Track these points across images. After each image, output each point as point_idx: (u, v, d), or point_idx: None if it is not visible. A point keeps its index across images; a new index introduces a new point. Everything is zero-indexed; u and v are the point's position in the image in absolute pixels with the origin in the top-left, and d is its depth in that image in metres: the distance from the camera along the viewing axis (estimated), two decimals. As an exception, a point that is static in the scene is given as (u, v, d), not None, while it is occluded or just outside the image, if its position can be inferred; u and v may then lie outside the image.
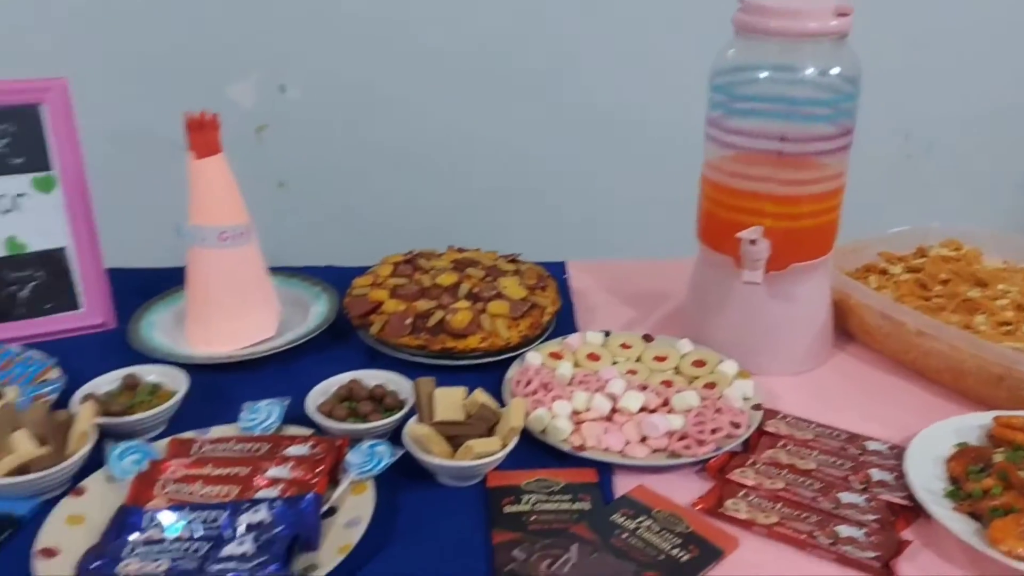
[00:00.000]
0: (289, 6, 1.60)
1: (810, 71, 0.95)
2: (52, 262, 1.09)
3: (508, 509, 0.80)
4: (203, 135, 1.00)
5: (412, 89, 1.68)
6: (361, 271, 1.21)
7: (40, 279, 1.09)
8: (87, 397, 0.91)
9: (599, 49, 1.66)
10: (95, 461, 0.84)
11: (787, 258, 0.99)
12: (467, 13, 1.62)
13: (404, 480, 0.84)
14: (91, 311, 1.11)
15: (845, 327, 1.12)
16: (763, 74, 0.97)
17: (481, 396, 0.87)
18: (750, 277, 0.98)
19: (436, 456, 0.82)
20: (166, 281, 1.20)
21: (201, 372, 0.99)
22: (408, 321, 1.02)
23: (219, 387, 0.99)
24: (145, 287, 1.20)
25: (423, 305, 1.04)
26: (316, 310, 1.15)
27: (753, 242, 0.96)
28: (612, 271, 1.32)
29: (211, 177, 1.02)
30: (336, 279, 1.21)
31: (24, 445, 0.81)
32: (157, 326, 1.10)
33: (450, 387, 0.88)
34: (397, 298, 1.06)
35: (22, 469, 0.79)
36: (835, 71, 0.95)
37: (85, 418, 0.83)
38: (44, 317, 1.09)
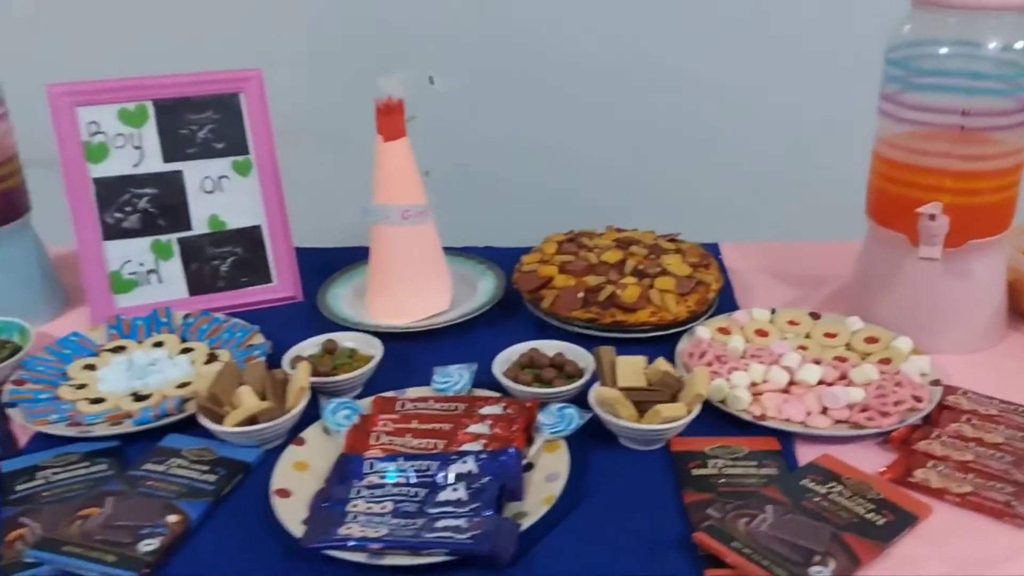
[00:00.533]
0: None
1: (993, 45, 0.94)
2: (249, 239, 1.19)
3: (696, 472, 0.84)
4: (390, 119, 1.07)
5: (547, 83, 1.73)
6: (518, 251, 1.27)
7: (238, 255, 1.19)
8: (296, 359, 1.00)
9: (749, 27, 1.67)
10: (307, 415, 0.92)
11: (964, 235, 0.99)
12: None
13: (588, 442, 0.88)
14: (282, 284, 1.21)
15: (1019, 307, 1.10)
16: (943, 49, 0.96)
17: (663, 364, 0.91)
18: (927, 253, 0.98)
19: (624, 419, 0.86)
20: (340, 260, 1.29)
21: (384, 340, 1.06)
22: (580, 295, 1.07)
23: (402, 354, 1.06)
24: (322, 265, 1.28)
25: (592, 280, 1.08)
26: (483, 286, 1.21)
27: (932, 217, 0.96)
28: (764, 252, 1.33)
29: (397, 159, 1.09)
30: (496, 258, 1.28)
31: (249, 399, 0.90)
32: (341, 298, 1.18)
33: (630, 356, 0.93)
34: (566, 274, 1.11)
35: (250, 420, 0.88)
36: (1019, 45, 0.94)
37: (303, 376, 0.91)
38: (241, 289, 1.19)
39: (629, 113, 1.75)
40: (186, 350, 1.06)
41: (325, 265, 1.28)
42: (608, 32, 1.71)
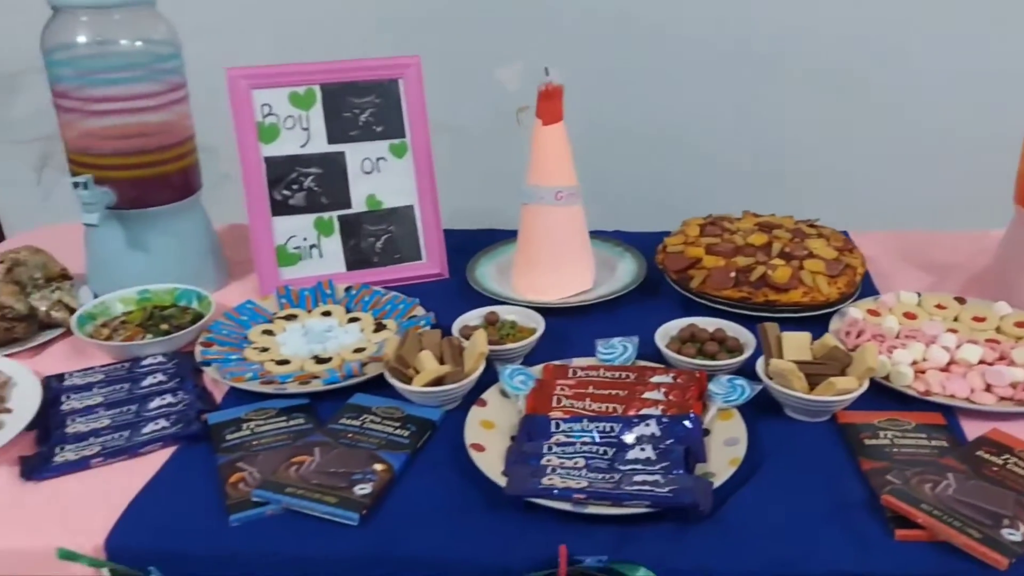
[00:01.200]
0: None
1: None
2: (402, 218, 1.25)
3: (868, 442, 0.87)
4: (551, 104, 1.12)
5: (658, 74, 1.77)
6: (649, 235, 1.32)
7: (392, 232, 1.25)
8: (464, 328, 1.05)
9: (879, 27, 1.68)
10: (480, 380, 0.97)
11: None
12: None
13: (755, 413, 0.92)
14: (431, 261, 1.27)
15: None
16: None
17: (831, 340, 0.94)
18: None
19: (797, 390, 0.89)
20: (475, 241, 1.34)
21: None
22: (732, 275, 1.10)
23: (553, 328, 1.10)
24: (459, 245, 1.34)
25: (743, 261, 1.12)
26: (623, 267, 1.25)
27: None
28: (896, 240, 1.35)
29: (554, 141, 1.14)
30: (630, 241, 1.32)
31: (431, 363, 0.95)
32: (488, 276, 1.24)
33: (795, 332, 0.96)
34: (714, 255, 1.14)
35: (436, 382, 0.93)
36: None
37: (482, 343, 0.96)
38: (394, 265, 1.25)
39: (753, 105, 1.77)
40: (353, 319, 1.13)
41: (460, 245, 1.34)
42: (738, 18, 1.74)
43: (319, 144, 1.21)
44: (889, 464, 0.83)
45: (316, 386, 0.98)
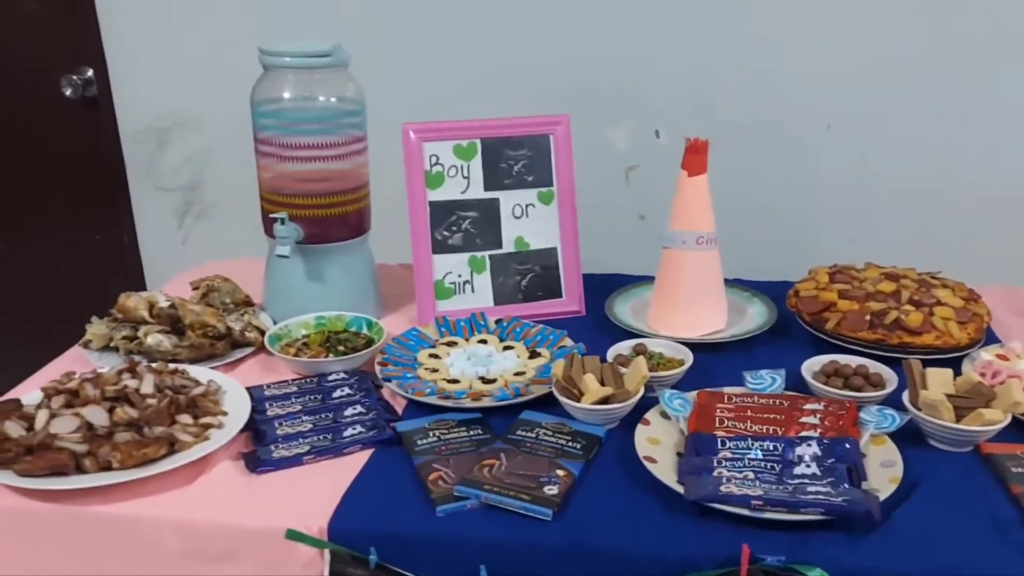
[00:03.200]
0: (668, 63, 1.85)
1: None
2: (545, 259, 1.37)
3: (1016, 469, 0.93)
4: (697, 157, 1.23)
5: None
6: (772, 283, 1.40)
7: (536, 271, 1.36)
8: (618, 356, 1.14)
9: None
10: (639, 404, 1.06)
11: None
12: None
13: (900, 442, 0.98)
14: (569, 299, 1.37)
15: None
16: None
17: (974, 376, 1.00)
18: None
19: (946, 420, 0.96)
20: (602, 285, 1.44)
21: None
22: (867, 318, 1.18)
23: (695, 362, 1.19)
24: (595, 286, 1.44)
25: (876, 305, 1.19)
26: (752, 311, 1.33)
27: None
28: (1010, 297, 1.41)
29: (697, 191, 1.25)
30: (756, 288, 1.41)
31: (595, 384, 1.04)
32: (624, 313, 1.33)
33: (937, 368, 1.03)
34: (848, 299, 1.22)
35: (601, 401, 1.02)
36: None
37: (643, 367, 1.05)
38: (536, 302, 1.36)
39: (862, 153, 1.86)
40: (507, 347, 1.23)
41: (597, 286, 1.43)
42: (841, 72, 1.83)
43: (477, 191, 1.34)
44: (1040, 489, 0.89)
45: (488, 402, 1.07)
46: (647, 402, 1.06)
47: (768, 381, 1.08)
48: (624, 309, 1.36)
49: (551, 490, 0.90)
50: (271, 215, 1.23)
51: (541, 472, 0.93)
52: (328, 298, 1.30)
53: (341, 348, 1.21)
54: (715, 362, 1.20)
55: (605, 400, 1.03)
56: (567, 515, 0.88)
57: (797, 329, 1.29)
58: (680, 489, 0.88)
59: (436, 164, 1.33)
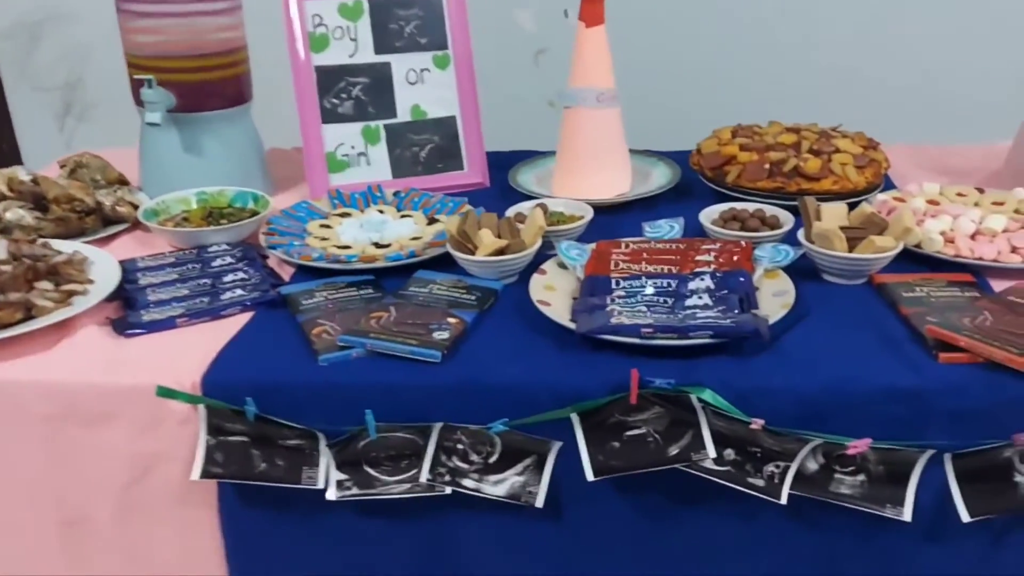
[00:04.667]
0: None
1: None
2: (444, 128, 1.31)
3: (907, 294, 0.93)
4: (593, 6, 1.18)
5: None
6: (675, 153, 1.38)
7: (435, 142, 1.30)
8: (516, 215, 1.10)
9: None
10: (537, 258, 1.02)
11: None
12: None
13: (795, 279, 0.97)
14: (472, 171, 1.32)
15: None
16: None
17: (868, 208, 1.00)
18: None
19: (839, 251, 0.95)
20: (506, 159, 1.39)
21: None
22: (766, 167, 1.16)
23: (597, 223, 1.16)
24: (493, 163, 1.40)
25: (775, 155, 1.18)
26: (658, 173, 1.31)
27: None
28: (912, 153, 1.42)
29: (595, 45, 1.20)
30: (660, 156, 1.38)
31: (489, 238, 1.01)
32: (528, 183, 1.29)
33: (832, 203, 1.02)
34: (747, 151, 1.20)
35: (498, 254, 0.99)
36: None
37: (539, 218, 1.02)
38: (437, 175, 1.31)
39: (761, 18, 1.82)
40: (405, 216, 1.18)
41: (494, 163, 1.39)
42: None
43: (367, 54, 1.27)
44: (928, 309, 0.90)
45: (382, 263, 1.03)
46: (545, 258, 1.03)
47: (666, 229, 1.06)
48: (529, 178, 1.32)
49: (441, 335, 0.86)
50: (136, 76, 1.13)
51: (432, 320, 0.89)
52: (208, 173, 1.22)
53: (225, 222, 1.14)
54: (617, 221, 1.17)
55: (500, 252, 0.99)
56: (457, 358, 0.85)
57: (700, 187, 1.27)
58: (572, 326, 0.86)
59: (320, 25, 1.24)
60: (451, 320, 0.89)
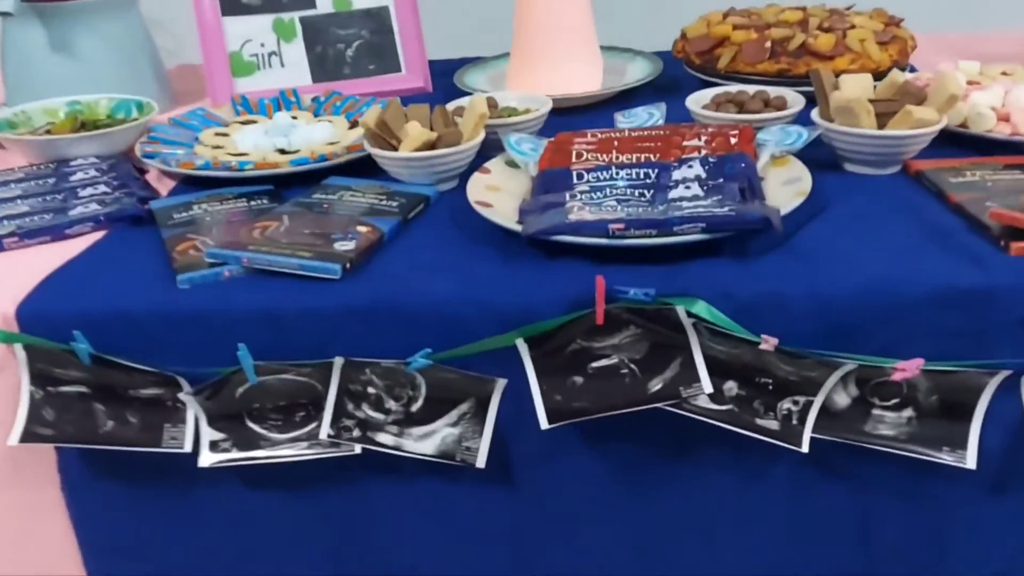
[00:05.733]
0: None
1: None
2: (375, 21, 1.08)
3: (955, 180, 0.72)
4: None
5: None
6: (660, 53, 1.16)
7: (364, 38, 1.08)
8: (456, 110, 0.89)
9: None
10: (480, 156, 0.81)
11: None
12: None
13: (810, 171, 0.76)
14: (411, 73, 1.09)
15: None
16: None
17: (899, 77, 0.78)
18: None
19: (866, 127, 0.74)
20: (455, 65, 1.18)
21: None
22: (767, 46, 0.95)
23: (558, 126, 0.94)
24: (440, 70, 1.18)
25: (778, 32, 0.96)
26: (634, 68, 1.09)
27: None
28: (937, 42, 1.20)
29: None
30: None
31: (418, 130, 0.79)
32: (478, 84, 1.07)
33: (853, 74, 0.81)
34: (743, 30, 0.98)
35: (427, 148, 0.77)
36: None
37: (480, 104, 0.80)
38: (368, 78, 1.08)
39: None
40: (324, 122, 0.96)
41: (441, 70, 1.17)
42: None
43: (274, -70, 1.04)
44: (986, 194, 0.69)
45: (284, 168, 0.81)
46: (491, 158, 0.82)
47: (644, 117, 0.85)
48: (479, 79, 1.10)
49: (344, 246, 0.65)
50: (-24, -47, 0.91)
51: (335, 229, 0.68)
52: (85, 78, 0.99)
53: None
54: (584, 121, 0.95)
55: (431, 148, 0.78)
56: (366, 274, 0.63)
57: (688, 80, 1.05)
58: (519, 228, 0.65)
59: None
60: (361, 229, 0.68)
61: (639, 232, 0.61)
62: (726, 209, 0.61)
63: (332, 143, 0.88)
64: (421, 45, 1.09)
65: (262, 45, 1.04)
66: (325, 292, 0.61)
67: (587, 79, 1.03)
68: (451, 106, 0.90)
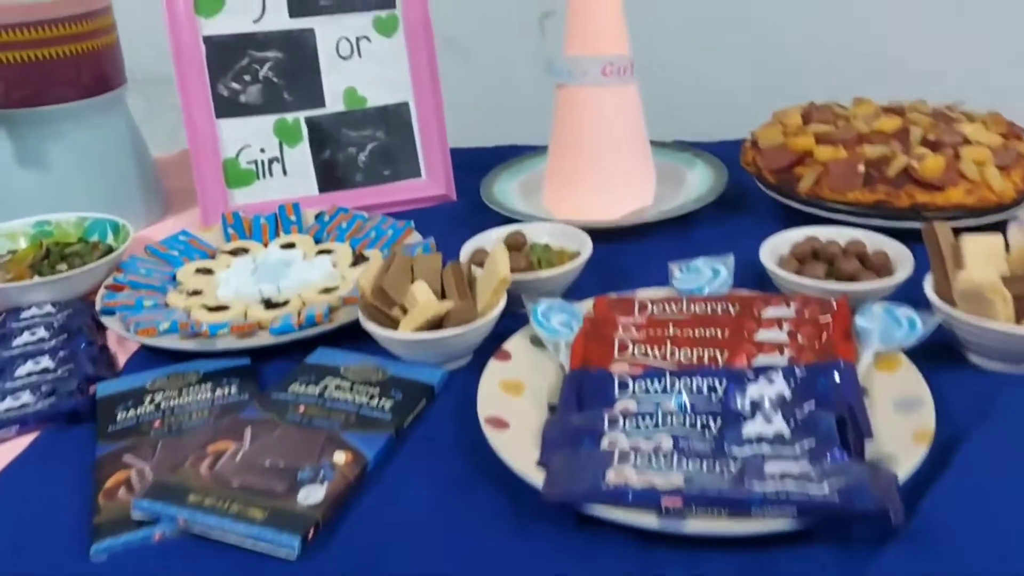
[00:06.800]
0: None
1: None
2: (393, 120, 0.93)
3: None
4: (594, -65, 0.80)
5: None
6: (720, 145, 1.00)
7: (380, 140, 0.93)
8: (477, 252, 0.73)
9: None
10: (501, 326, 0.66)
11: None
12: None
13: (923, 361, 0.59)
14: (432, 179, 0.95)
15: None
16: None
17: (1041, 243, 0.61)
18: None
19: (1003, 319, 0.57)
20: (487, 159, 1.02)
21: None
22: (860, 169, 0.77)
23: (601, 258, 0.78)
24: (471, 163, 1.03)
25: (873, 150, 0.79)
26: (695, 178, 0.92)
27: None
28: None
29: (599, -6, 0.82)
30: (704, 149, 1.00)
31: (427, 298, 0.64)
32: (510, 194, 0.92)
33: (979, 234, 0.63)
34: (829, 144, 0.81)
35: (434, 325, 0.62)
36: None
37: (501, 265, 0.64)
38: (382, 185, 0.94)
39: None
40: (324, 252, 0.82)
41: (470, 163, 1.01)
42: None
43: (278, 18, 0.89)
44: None
45: (261, 339, 0.67)
46: (514, 324, 0.66)
47: (707, 275, 0.68)
48: (510, 188, 0.94)
49: (311, 495, 0.50)
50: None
51: (305, 460, 0.53)
52: (59, 193, 0.86)
53: (63, 268, 0.79)
54: (636, 256, 0.80)
55: (437, 324, 0.63)
56: (334, 541, 0.48)
57: (758, 199, 0.88)
58: (539, 479, 0.50)
59: (208, -22, 0.88)
60: (339, 458, 0.53)
61: (704, 509, 0.45)
62: (827, 490, 0.44)
63: (329, 288, 0.74)
64: (444, 146, 0.95)
65: (262, 150, 0.90)
66: (280, 571, 0.47)
67: (638, 195, 0.87)
68: (472, 247, 0.74)
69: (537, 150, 0.99)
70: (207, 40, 0.88)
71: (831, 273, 0.67)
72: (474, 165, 1.01)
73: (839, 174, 0.78)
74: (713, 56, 1.38)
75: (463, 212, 0.93)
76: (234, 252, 0.82)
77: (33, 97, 0.84)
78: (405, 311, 0.64)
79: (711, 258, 0.69)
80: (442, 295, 0.66)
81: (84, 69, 0.86)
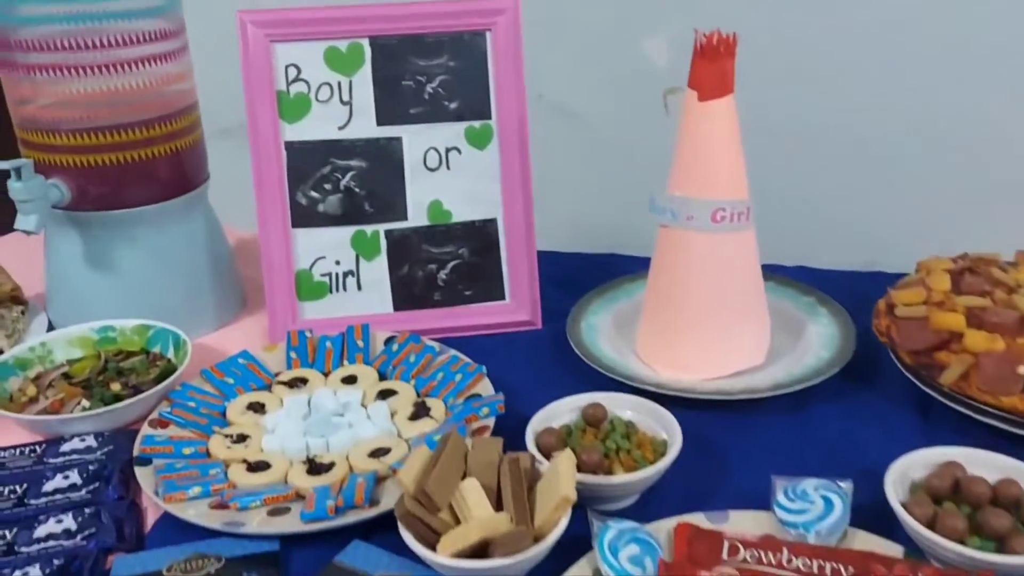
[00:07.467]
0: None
1: None
2: (479, 237, 0.86)
3: None
4: (716, 67, 0.68)
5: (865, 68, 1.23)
6: (848, 276, 0.87)
7: (463, 258, 0.86)
8: (545, 433, 0.64)
9: None
10: (563, 545, 0.56)
11: None
12: None
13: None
14: (517, 304, 0.86)
15: None
16: None
17: None
18: None
19: None
20: (585, 272, 0.93)
21: (670, 406, 0.68)
22: (1021, 371, 0.64)
23: (695, 431, 0.68)
24: (565, 276, 0.94)
25: (1041, 347, 0.65)
26: (816, 331, 0.80)
27: None
28: None
29: (715, 127, 0.71)
30: (823, 283, 0.87)
31: (479, 504, 0.54)
32: (600, 332, 0.82)
33: None
34: (983, 328, 0.67)
35: (481, 545, 0.54)
36: None
37: (567, 478, 0.55)
38: (463, 306, 0.86)
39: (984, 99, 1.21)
40: (386, 393, 0.75)
41: (564, 277, 0.93)
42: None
43: (365, 125, 0.83)
44: None
45: (291, 524, 0.59)
46: (574, 528, 0.56)
47: (818, 509, 0.56)
48: (602, 324, 0.83)
49: None
50: (2, 163, 0.76)
51: None
52: (131, 296, 0.83)
53: (116, 387, 0.74)
54: (737, 436, 0.69)
55: (483, 549, 0.54)
56: None
57: (889, 370, 0.75)
58: None
59: (297, 80, 0.82)
60: None
61: None
62: None
63: (380, 450, 0.66)
64: (533, 268, 0.86)
65: (337, 263, 0.84)
66: None
67: (748, 354, 0.76)
68: (542, 424, 0.65)
69: (639, 269, 0.89)
70: (288, 146, 0.83)
71: (974, 525, 0.53)
72: (567, 280, 0.92)
73: (992, 371, 0.64)
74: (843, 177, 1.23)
75: (547, 344, 0.84)
76: (291, 384, 0.76)
77: (108, 199, 0.80)
78: (454, 516, 0.56)
79: (824, 482, 0.57)
80: (497, 494, 0.57)
81: (162, 170, 0.82)
